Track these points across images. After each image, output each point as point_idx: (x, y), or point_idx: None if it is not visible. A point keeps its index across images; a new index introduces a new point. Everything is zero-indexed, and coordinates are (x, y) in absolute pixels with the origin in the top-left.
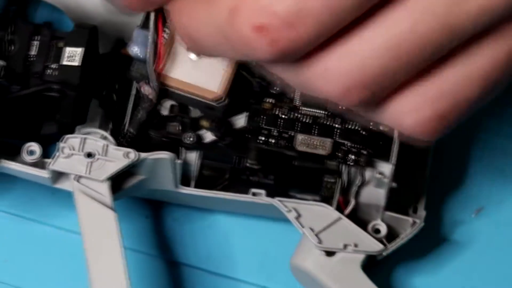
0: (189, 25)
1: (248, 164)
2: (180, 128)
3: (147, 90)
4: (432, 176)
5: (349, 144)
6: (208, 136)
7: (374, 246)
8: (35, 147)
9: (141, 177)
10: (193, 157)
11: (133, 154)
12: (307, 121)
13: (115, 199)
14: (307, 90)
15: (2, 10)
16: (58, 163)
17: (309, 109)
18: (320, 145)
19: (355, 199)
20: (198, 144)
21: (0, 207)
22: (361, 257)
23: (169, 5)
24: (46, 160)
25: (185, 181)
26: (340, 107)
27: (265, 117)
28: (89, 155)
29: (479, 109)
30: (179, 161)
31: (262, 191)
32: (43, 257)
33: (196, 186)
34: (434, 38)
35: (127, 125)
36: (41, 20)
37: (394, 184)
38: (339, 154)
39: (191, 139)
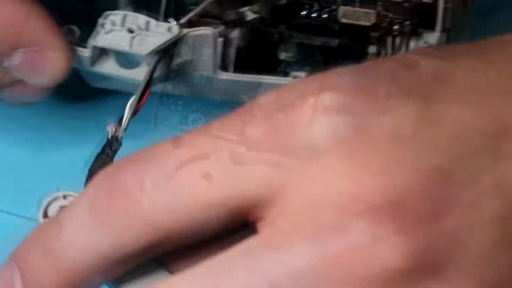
0: None
1: (283, 57)
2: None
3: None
4: None
5: (392, 16)
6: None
7: None
8: (73, 28)
9: (181, 60)
10: (234, 35)
11: (175, 29)
12: None
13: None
14: None
15: None
16: (100, 38)
17: None
18: (363, 16)
19: None
20: (240, 22)
21: (0, 207)
22: None
23: None
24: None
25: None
26: None
27: None
28: (130, 30)
29: None
30: (220, 39)
31: (302, 74)
32: None
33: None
34: None
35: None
36: None
37: None
38: (384, 25)
39: (232, 16)
